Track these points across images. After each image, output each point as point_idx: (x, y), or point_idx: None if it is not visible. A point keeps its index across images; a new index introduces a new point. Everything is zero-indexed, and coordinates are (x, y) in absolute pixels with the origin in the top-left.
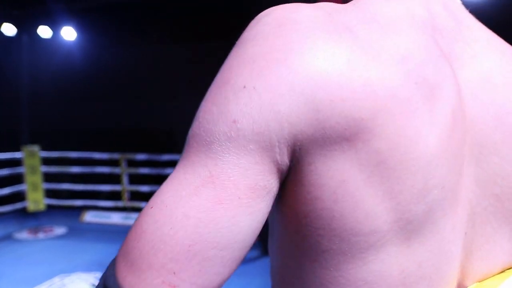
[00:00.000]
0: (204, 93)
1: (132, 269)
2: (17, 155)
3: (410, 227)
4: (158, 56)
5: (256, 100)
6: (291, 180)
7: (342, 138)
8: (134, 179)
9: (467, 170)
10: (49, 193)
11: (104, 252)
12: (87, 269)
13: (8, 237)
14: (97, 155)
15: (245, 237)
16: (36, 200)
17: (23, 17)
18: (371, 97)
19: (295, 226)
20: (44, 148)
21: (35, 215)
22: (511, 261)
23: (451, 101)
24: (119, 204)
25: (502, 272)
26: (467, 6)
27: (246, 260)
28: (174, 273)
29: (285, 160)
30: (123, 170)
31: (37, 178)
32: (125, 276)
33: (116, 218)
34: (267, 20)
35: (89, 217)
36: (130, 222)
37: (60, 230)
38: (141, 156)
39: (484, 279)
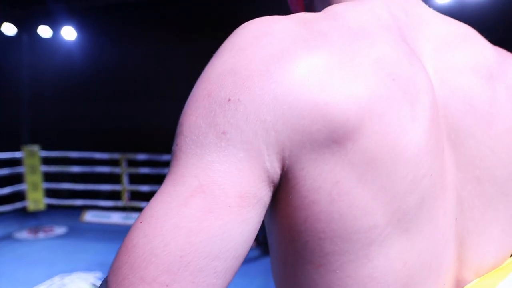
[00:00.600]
0: None
1: (123, 284)
2: (17, 154)
3: (408, 217)
4: (158, 55)
5: (242, 111)
6: (285, 189)
7: (330, 140)
8: (134, 179)
9: (447, 155)
10: (49, 193)
11: (104, 251)
12: (87, 268)
13: (8, 237)
14: (97, 155)
15: (237, 246)
16: (36, 200)
17: (23, 16)
18: (353, 98)
19: (295, 234)
20: (44, 147)
21: (35, 214)
22: (502, 250)
23: (427, 93)
24: (119, 204)
25: (495, 266)
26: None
27: (246, 260)
28: (167, 285)
29: (275, 167)
30: (123, 170)
31: (37, 178)
32: None
33: (116, 218)
34: (244, 33)
35: (89, 216)
36: (130, 222)
37: (60, 229)
38: (141, 156)
39: (479, 269)
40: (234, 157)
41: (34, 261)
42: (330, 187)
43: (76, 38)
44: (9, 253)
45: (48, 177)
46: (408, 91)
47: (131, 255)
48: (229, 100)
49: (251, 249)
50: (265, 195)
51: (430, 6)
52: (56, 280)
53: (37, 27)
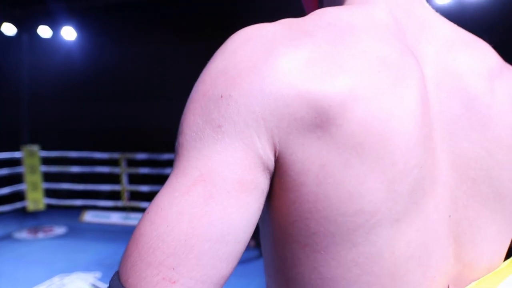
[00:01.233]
0: None
1: (132, 270)
2: (16, 154)
3: (398, 207)
4: (158, 55)
5: (233, 105)
6: (278, 174)
7: (315, 126)
8: (134, 179)
9: (442, 156)
10: (49, 193)
11: (103, 252)
12: (87, 269)
13: (7, 237)
14: (97, 155)
15: (237, 231)
16: (35, 200)
17: (23, 16)
18: (335, 86)
19: (284, 215)
20: (44, 147)
21: (35, 214)
22: (498, 250)
23: (418, 89)
24: (119, 204)
25: (492, 265)
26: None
27: (245, 261)
28: (173, 268)
29: (268, 154)
30: (122, 170)
31: (37, 178)
32: (126, 278)
33: (115, 218)
34: (235, 38)
35: (89, 217)
36: (129, 222)
37: (59, 229)
38: (141, 156)
39: (477, 266)
40: (230, 147)
41: (34, 261)
42: (317, 170)
43: (76, 38)
44: (8, 253)
45: (47, 177)
46: (395, 85)
47: (139, 243)
48: (221, 96)
49: (251, 249)
50: (262, 182)
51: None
52: (56, 280)
53: (37, 27)
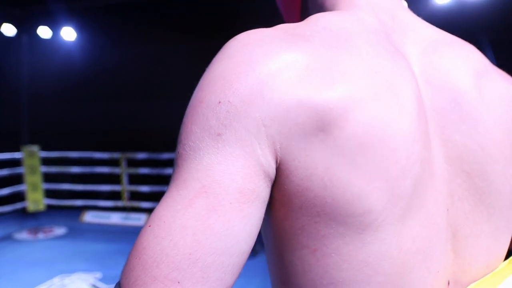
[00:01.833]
0: None
1: (136, 284)
2: (16, 155)
3: (402, 203)
4: (158, 55)
5: (233, 112)
6: (280, 181)
7: (317, 129)
8: (134, 179)
9: (436, 150)
10: (49, 193)
11: (104, 252)
12: (87, 269)
13: (8, 237)
14: (97, 155)
15: (241, 241)
16: (36, 200)
17: (23, 17)
18: (335, 90)
19: (291, 221)
20: (44, 148)
21: (35, 215)
22: (496, 245)
23: (412, 88)
24: (119, 204)
25: (489, 260)
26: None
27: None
28: (178, 282)
29: (269, 161)
30: (123, 170)
31: (37, 178)
32: None
33: (116, 218)
34: (232, 44)
35: (89, 217)
36: (130, 222)
37: (60, 230)
38: (141, 155)
39: (474, 260)
40: (231, 156)
41: (34, 262)
42: (322, 174)
43: (75, 39)
44: (9, 253)
45: (47, 177)
46: (392, 84)
47: (142, 256)
48: (219, 102)
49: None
50: (263, 190)
51: (430, 6)
52: (56, 280)
53: (36, 28)
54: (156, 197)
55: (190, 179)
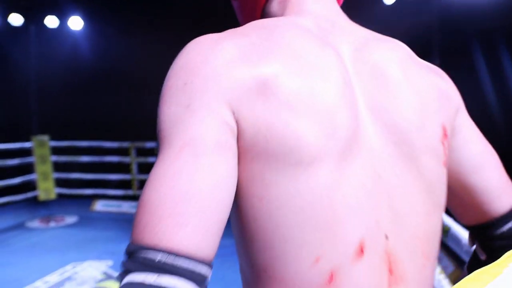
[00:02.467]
0: None
1: (146, 230)
2: (27, 145)
3: (330, 159)
4: (166, 43)
5: (196, 88)
6: (239, 138)
7: (258, 94)
8: (144, 168)
9: (368, 127)
10: (60, 182)
11: (115, 240)
12: (98, 257)
13: (20, 226)
14: (106, 144)
15: (226, 179)
16: (47, 189)
17: (30, 7)
18: (267, 65)
19: (247, 172)
20: (54, 137)
21: (46, 204)
22: (426, 205)
23: (339, 71)
24: (129, 192)
25: (423, 219)
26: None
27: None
28: (181, 214)
29: (231, 121)
30: (132, 159)
31: (47, 168)
32: (141, 238)
33: (126, 207)
34: (188, 44)
35: (100, 206)
36: None
37: (71, 219)
38: (150, 144)
39: (409, 217)
40: (202, 118)
41: (46, 250)
42: (265, 130)
43: (83, 28)
44: (21, 241)
45: (58, 167)
46: (318, 66)
47: (146, 206)
48: (185, 84)
49: None
50: (233, 143)
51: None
52: (69, 268)
53: (44, 17)
54: None
55: (173, 142)
